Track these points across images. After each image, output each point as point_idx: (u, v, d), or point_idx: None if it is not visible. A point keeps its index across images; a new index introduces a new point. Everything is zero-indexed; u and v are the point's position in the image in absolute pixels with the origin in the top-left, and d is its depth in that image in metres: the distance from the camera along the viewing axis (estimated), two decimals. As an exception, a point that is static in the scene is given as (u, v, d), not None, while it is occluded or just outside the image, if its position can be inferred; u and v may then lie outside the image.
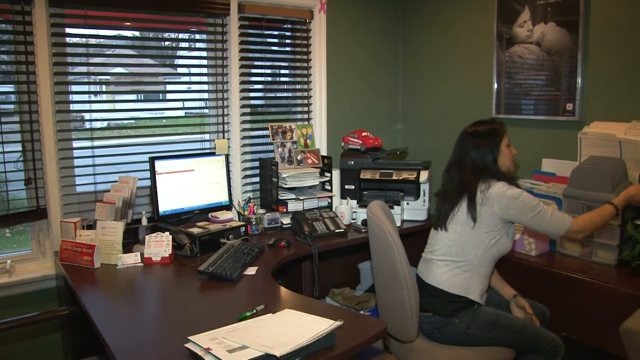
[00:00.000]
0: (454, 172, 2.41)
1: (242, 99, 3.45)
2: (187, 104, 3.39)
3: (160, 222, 2.86)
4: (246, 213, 3.13)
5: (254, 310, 1.93)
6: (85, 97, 3.00)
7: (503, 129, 2.40)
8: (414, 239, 2.89)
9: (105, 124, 3.11)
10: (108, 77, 3.09)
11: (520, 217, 2.26)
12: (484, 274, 2.34)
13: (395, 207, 3.20)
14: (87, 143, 2.96)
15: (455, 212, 2.33)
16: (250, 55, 3.49)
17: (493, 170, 2.33)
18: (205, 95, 3.40)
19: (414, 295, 2.21)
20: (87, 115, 2.99)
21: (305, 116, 3.77)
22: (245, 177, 3.52)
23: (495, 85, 3.38)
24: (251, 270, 2.45)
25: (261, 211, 3.21)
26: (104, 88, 3.12)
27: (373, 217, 2.27)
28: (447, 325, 2.29)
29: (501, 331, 2.26)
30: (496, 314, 2.31)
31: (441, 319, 2.30)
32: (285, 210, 3.25)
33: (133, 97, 3.22)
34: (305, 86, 3.75)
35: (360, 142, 3.46)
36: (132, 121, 3.15)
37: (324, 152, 3.72)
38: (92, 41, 2.96)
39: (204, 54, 3.39)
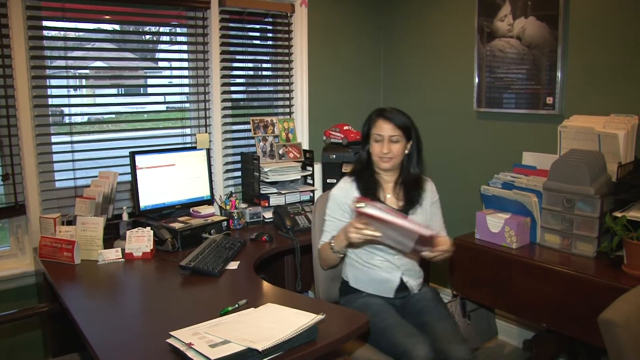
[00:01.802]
0: None
1: (224, 93, 3.43)
2: (168, 98, 3.35)
3: (141, 217, 2.84)
4: (228, 207, 3.11)
5: (236, 305, 1.93)
6: (64, 92, 2.95)
7: (372, 117, 2.32)
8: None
9: (85, 118, 3.07)
10: (87, 71, 3.04)
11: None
12: (355, 261, 2.36)
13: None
14: (67, 138, 2.92)
15: None
16: (232, 49, 3.46)
17: (363, 161, 2.39)
18: (187, 90, 3.38)
19: None
20: (66, 110, 2.95)
21: (287, 110, 3.76)
22: (227, 171, 3.50)
23: (477, 79, 3.40)
24: (233, 265, 2.44)
25: (243, 205, 3.20)
26: (83, 82, 3.07)
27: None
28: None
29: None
30: (364, 306, 2.21)
31: (340, 300, 2.46)
32: (267, 204, 3.24)
33: (113, 91, 3.18)
34: (287, 80, 3.74)
35: (342, 135, 3.46)
36: (113, 116, 3.12)
37: (305, 146, 3.72)
38: (71, 35, 2.92)
39: (185, 47, 3.35)
